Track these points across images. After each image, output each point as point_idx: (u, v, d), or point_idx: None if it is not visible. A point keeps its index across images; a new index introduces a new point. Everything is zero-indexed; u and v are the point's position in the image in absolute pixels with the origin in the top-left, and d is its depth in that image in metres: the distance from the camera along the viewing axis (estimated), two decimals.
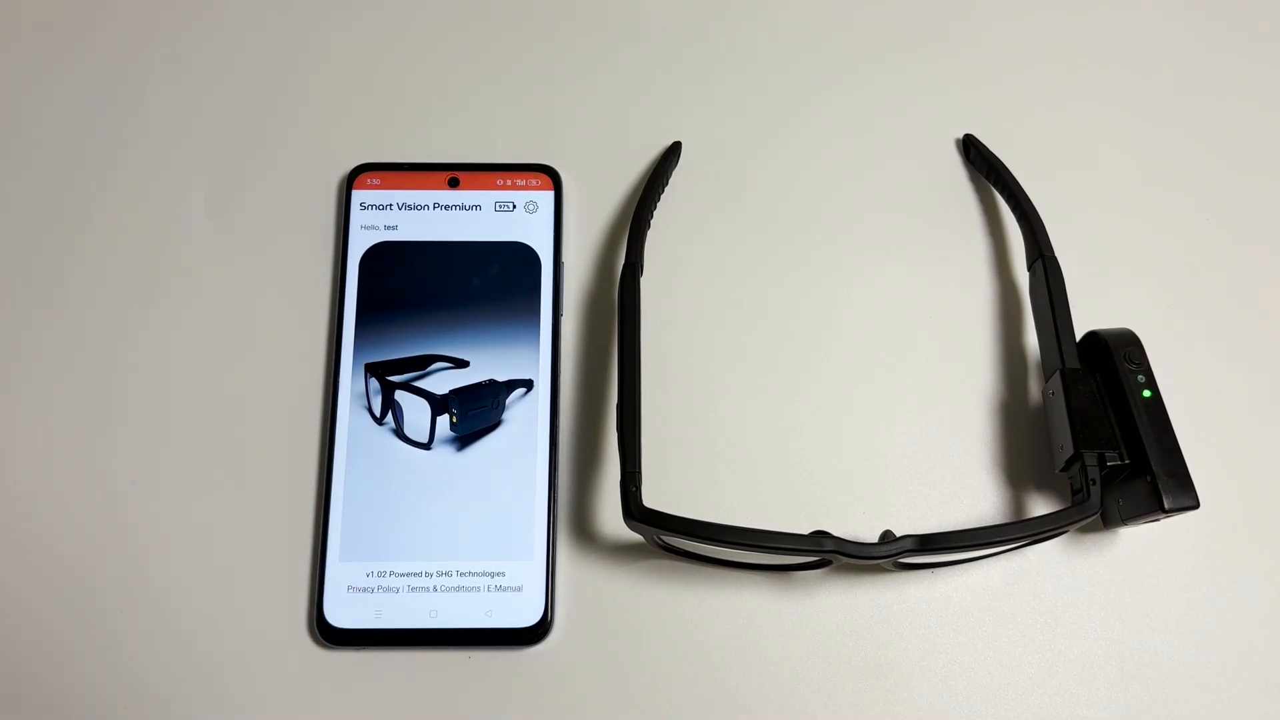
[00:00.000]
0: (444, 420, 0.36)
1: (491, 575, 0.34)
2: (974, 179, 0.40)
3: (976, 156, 0.40)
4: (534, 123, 0.41)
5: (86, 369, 0.37)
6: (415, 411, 0.36)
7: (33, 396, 0.37)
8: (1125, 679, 0.34)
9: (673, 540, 0.32)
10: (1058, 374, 0.34)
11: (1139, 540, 0.35)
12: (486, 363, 0.36)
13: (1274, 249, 0.40)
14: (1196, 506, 0.31)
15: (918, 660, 0.34)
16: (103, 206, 0.39)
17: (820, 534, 0.31)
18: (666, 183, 0.40)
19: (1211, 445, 0.36)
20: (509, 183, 0.39)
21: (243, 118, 0.41)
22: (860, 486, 0.36)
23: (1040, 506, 0.36)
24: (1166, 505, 0.31)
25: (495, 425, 0.36)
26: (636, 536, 0.33)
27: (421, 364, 0.36)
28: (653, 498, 0.34)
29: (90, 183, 0.40)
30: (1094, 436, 0.32)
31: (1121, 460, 0.32)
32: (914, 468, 0.36)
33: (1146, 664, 0.34)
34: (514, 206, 0.39)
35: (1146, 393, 0.33)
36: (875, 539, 0.32)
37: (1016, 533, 0.31)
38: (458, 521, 0.35)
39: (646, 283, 0.38)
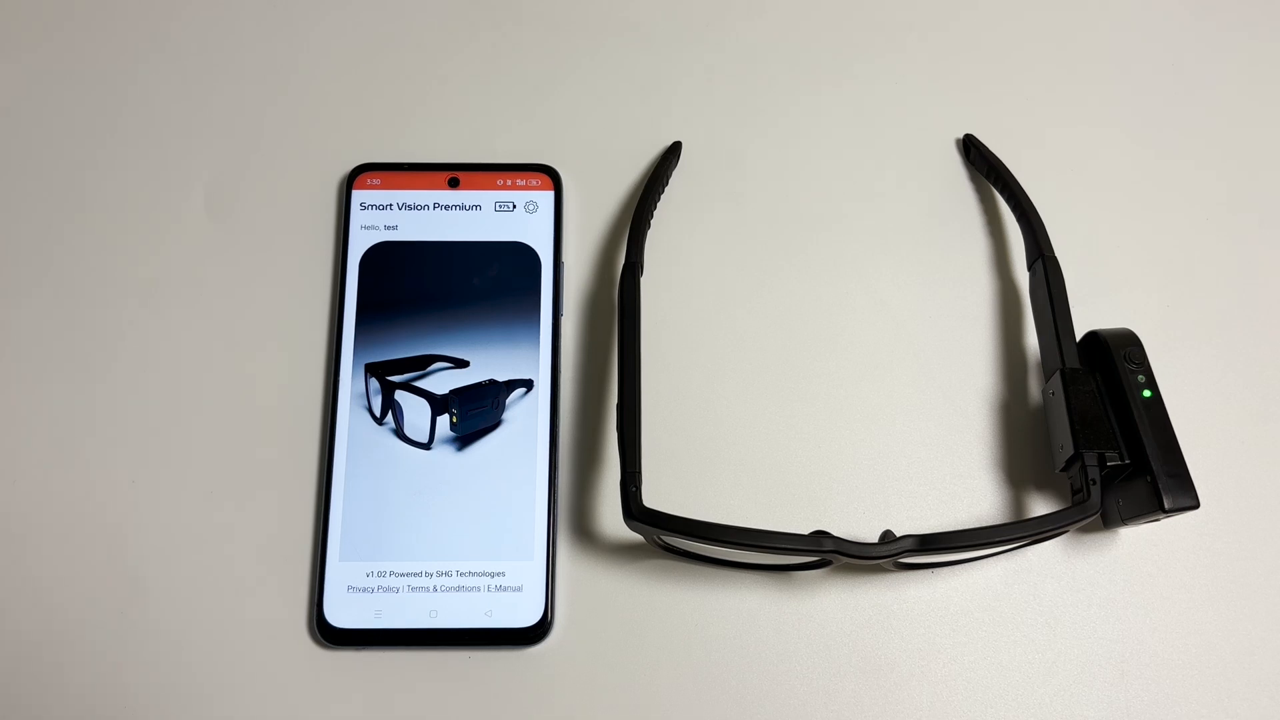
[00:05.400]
0: (444, 420, 0.36)
1: (491, 575, 0.34)
2: (974, 179, 0.40)
3: (977, 156, 0.40)
4: (534, 123, 0.41)
5: (87, 369, 0.37)
6: (415, 411, 0.36)
7: (33, 396, 0.37)
8: (1125, 679, 0.34)
9: (673, 540, 0.32)
10: (1058, 374, 0.34)
11: (1139, 540, 0.35)
12: (486, 363, 0.36)
13: (1274, 249, 0.40)
14: (1196, 506, 0.31)
15: (918, 660, 0.34)
16: (103, 206, 0.39)
17: (820, 534, 0.31)
18: (666, 183, 0.40)
19: (1211, 445, 0.36)
20: (509, 183, 0.39)
21: (243, 118, 0.41)
22: (860, 486, 0.36)
23: (1040, 506, 0.36)
24: (1166, 505, 0.31)
25: (495, 425, 0.36)
26: (636, 536, 0.33)
27: (421, 364, 0.36)
28: (653, 498, 0.34)
29: (91, 182, 0.40)
30: (1094, 436, 0.32)
31: (1121, 460, 0.32)
32: (914, 468, 0.36)
33: (1146, 664, 0.34)
34: (514, 206, 0.39)
35: (1146, 393, 0.33)
36: (875, 539, 0.32)
37: (1016, 533, 0.31)
38: (458, 521, 0.35)
39: (646, 283, 0.38)
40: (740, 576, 0.35)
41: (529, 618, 0.34)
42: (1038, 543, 0.34)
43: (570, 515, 0.35)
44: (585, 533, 0.35)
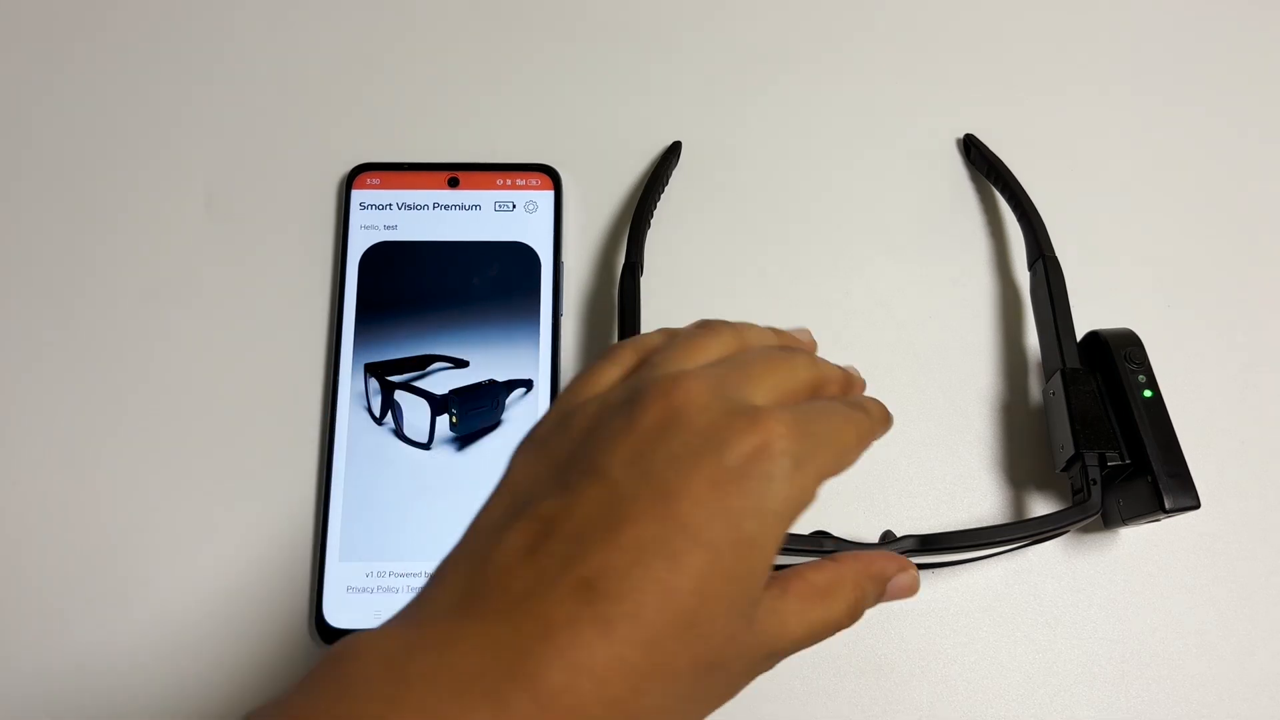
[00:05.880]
0: (444, 420, 0.36)
1: None
2: (974, 179, 0.40)
3: (977, 156, 0.40)
4: (534, 123, 0.41)
5: (87, 369, 0.37)
6: (415, 411, 0.36)
7: (33, 396, 0.37)
8: (1125, 679, 0.34)
9: None
10: (1058, 374, 0.34)
11: (1139, 540, 0.35)
12: (486, 363, 0.36)
13: (1274, 249, 0.40)
14: (1197, 506, 0.31)
15: (918, 660, 0.34)
16: (103, 206, 0.39)
17: (820, 534, 0.31)
18: (666, 182, 0.40)
19: (1211, 445, 0.36)
20: (509, 183, 0.39)
21: (243, 118, 0.41)
22: (860, 486, 0.36)
23: (1040, 506, 0.36)
24: (1167, 505, 0.31)
25: (495, 425, 0.36)
26: None
27: (421, 364, 0.36)
28: None
29: (91, 183, 0.40)
30: (1094, 436, 0.32)
31: (1122, 460, 0.32)
32: (914, 468, 0.36)
33: (1146, 664, 0.34)
34: (514, 206, 0.39)
35: (1147, 392, 0.33)
36: (875, 539, 0.32)
37: (1017, 533, 0.31)
38: (457, 522, 0.34)
39: (646, 283, 0.37)
40: None
41: None
42: (1038, 543, 0.34)
43: None
44: None
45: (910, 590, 0.26)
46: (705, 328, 0.25)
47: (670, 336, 0.25)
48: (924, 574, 0.35)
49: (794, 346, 0.26)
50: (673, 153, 0.40)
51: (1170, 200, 0.40)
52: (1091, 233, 0.39)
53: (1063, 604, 0.35)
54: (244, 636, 0.34)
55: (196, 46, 0.42)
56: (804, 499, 0.22)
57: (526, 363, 0.36)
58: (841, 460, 0.23)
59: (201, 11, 0.43)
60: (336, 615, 0.34)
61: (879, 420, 0.25)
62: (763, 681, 0.33)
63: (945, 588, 0.35)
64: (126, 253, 0.39)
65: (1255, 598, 0.35)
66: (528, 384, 0.36)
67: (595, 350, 0.38)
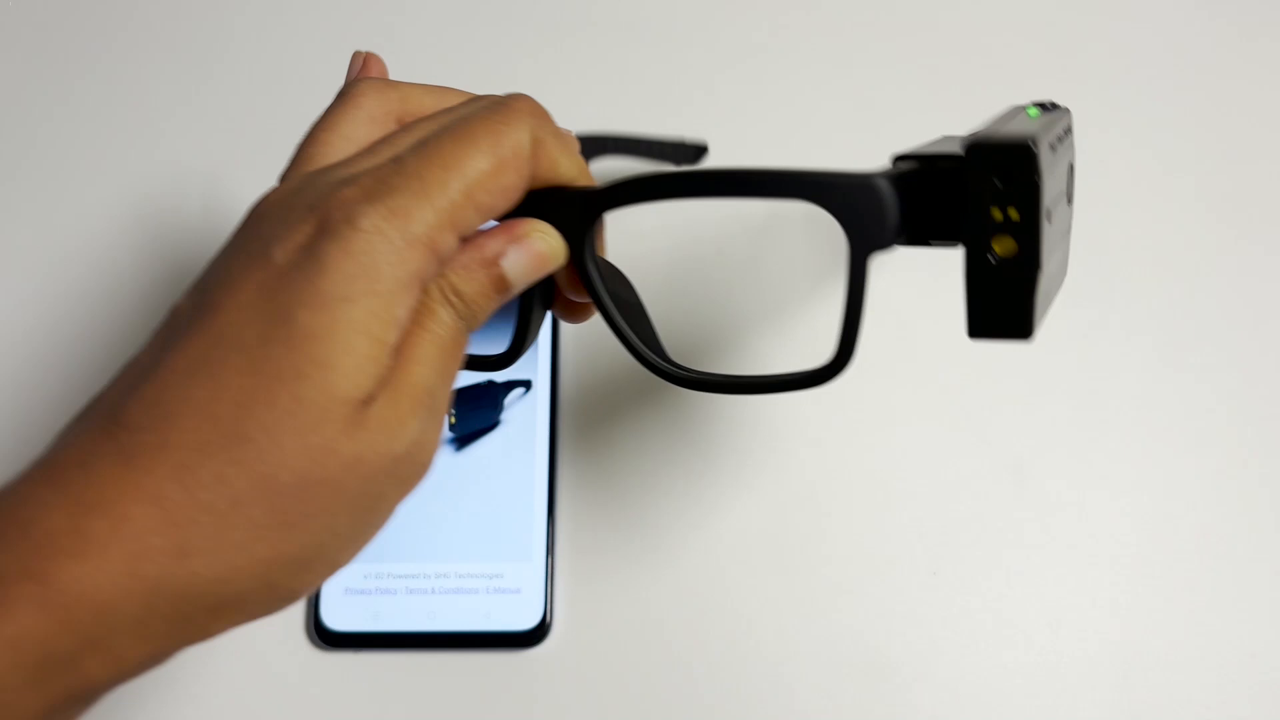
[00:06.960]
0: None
1: (490, 577, 0.34)
2: None
3: None
4: None
5: (86, 369, 0.37)
6: None
7: (32, 397, 0.37)
8: (1126, 680, 0.34)
9: None
10: None
11: (1140, 540, 0.35)
12: None
13: (1275, 249, 0.40)
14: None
15: (918, 661, 0.34)
16: (102, 206, 0.39)
17: None
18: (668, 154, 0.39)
19: (1211, 445, 0.36)
20: None
21: (242, 118, 0.41)
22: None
23: None
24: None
25: (494, 425, 0.35)
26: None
27: None
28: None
29: (90, 182, 0.40)
30: None
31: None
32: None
33: (1148, 665, 0.34)
34: None
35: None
36: None
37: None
38: (456, 523, 0.34)
39: (644, 265, 0.37)
40: (742, 577, 0.34)
41: (528, 620, 0.33)
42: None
43: (570, 516, 0.35)
44: (585, 533, 0.35)
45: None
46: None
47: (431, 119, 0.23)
48: (924, 576, 0.35)
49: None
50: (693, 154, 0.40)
51: (1172, 200, 0.40)
52: (1093, 233, 0.39)
53: (1065, 605, 0.34)
54: (241, 638, 0.33)
55: (196, 45, 0.42)
56: (401, 260, 0.19)
57: (526, 362, 0.36)
58: (472, 183, 0.20)
59: (201, 10, 0.43)
60: (335, 617, 0.33)
61: (529, 115, 0.22)
62: (763, 681, 0.33)
63: (946, 589, 0.35)
64: (126, 252, 0.39)
65: (1257, 598, 0.35)
66: (527, 384, 0.36)
67: (597, 350, 0.37)
